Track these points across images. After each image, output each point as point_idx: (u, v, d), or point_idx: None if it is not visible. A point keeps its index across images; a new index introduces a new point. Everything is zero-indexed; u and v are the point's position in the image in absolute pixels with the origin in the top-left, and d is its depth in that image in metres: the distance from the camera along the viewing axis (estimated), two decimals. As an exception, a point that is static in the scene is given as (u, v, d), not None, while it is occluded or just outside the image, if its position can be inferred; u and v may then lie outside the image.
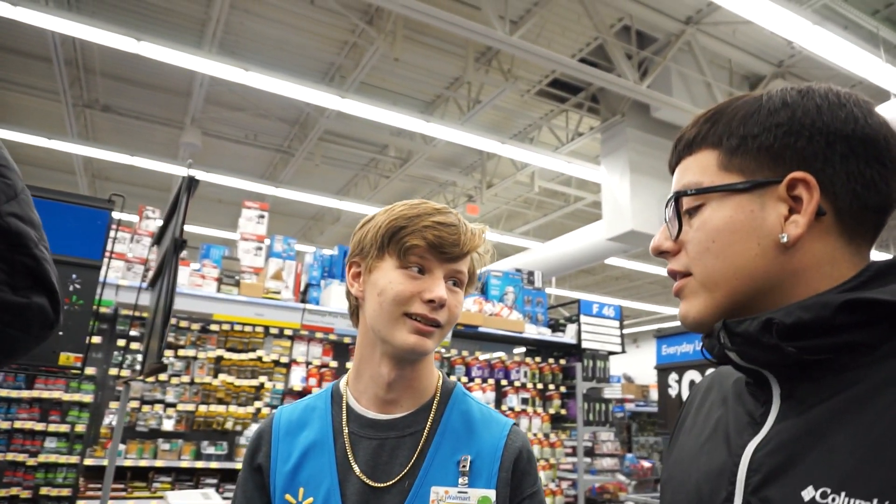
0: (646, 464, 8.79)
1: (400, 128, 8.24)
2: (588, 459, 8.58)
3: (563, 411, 5.77)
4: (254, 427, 4.60)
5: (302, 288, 5.22)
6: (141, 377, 2.03)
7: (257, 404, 4.68)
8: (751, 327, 0.65)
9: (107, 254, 1.97)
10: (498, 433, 0.99)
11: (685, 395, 3.11)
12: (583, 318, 6.02)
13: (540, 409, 5.54)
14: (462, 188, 11.40)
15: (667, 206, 0.77)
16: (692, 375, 3.10)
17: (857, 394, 0.61)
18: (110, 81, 8.25)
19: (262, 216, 5.40)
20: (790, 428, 0.65)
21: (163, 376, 4.39)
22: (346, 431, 0.99)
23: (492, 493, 0.92)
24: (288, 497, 0.96)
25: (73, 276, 1.93)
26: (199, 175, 7.64)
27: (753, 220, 0.68)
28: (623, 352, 6.18)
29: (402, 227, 0.96)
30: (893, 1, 6.23)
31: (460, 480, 0.93)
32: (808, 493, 0.58)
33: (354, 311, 1.06)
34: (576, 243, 9.88)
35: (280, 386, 4.80)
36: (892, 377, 0.59)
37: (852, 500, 0.55)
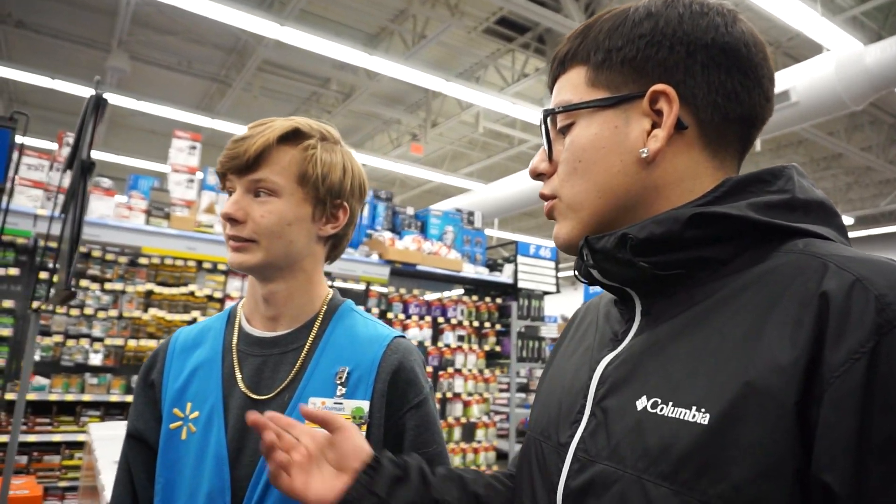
0: (576, 398, 9.22)
1: (343, 61, 7.95)
2: (522, 395, 8.92)
3: (497, 348, 5.93)
4: (186, 362, 4.55)
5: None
6: (50, 305, 1.96)
7: (190, 339, 4.62)
8: (608, 243, 0.65)
9: (11, 177, 1.85)
10: (377, 345, 1.00)
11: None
12: (520, 259, 6.13)
13: (475, 346, 5.67)
14: (406, 126, 11.22)
15: (540, 126, 0.74)
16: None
17: (702, 309, 0.61)
18: (25, -5, 7.59)
19: (193, 147, 5.18)
20: (640, 343, 0.65)
21: (89, 310, 4.25)
22: (235, 349, 1.01)
23: (365, 404, 0.94)
24: (176, 411, 0.98)
25: (-25, 199, 1.81)
26: (128, 103, 7.22)
27: (617, 135, 0.67)
28: (558, 292, 6.36)
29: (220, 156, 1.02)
30: (833, -47, 6.33)
31: (338, 391, 0.95)
32: (641, 402, 0.60)
33: None
34: (518, 185, 9.96)
35: (214, 321, 4.73)
36: (732, 293, 0.60)
37: (676, 409, 0.56)
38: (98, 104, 1.66)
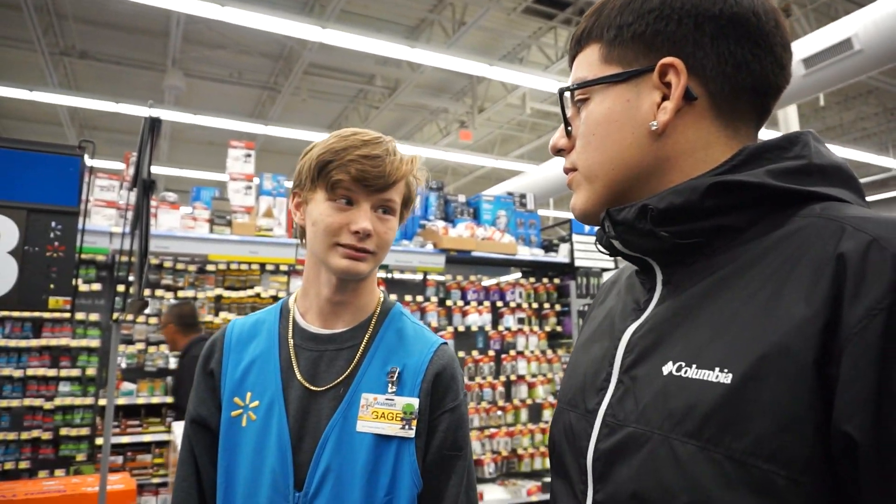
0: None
1: (385, 56, 8.05)
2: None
3: (559, 328, 5.92)
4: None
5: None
6: (127, 315, 2.12)
7: (260, 339, 4.84)
8: (629, 214, 0.67)
9: (83, 199, 2.02)
10: (426, 349, 1.07)
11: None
12: (575, 237, 6.09)
13: (536, 328, 5.69)
14: (454, 114, 11.24)
15: (560, 104, 0.77)
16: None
17: (722, 276, 0.63)
18: (84, 26, 8.04)
19: (248, 155, 5.39)
20: (663, 311, 0.68)
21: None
22: (291, 343, 1.08)
23: (415, 401, 1.01)
24: (236, 399, 1.05)
25: (53, 223, 1.98)
26: (186, 118, 7.57)
27: (629, 109, 0.69)
28: (616, 267, 6.27)
29: (328, 161, 1.01)
30: None
31: (389, 389, 1.02)
32: (667, 367, 0.62)
33: (302, 234, 1.13)
34: (570, 164, 9.82)
35: (281, 320, 4.94)
36: (752, 259, 0.61)
37: (700, 371, 0.59)
38: (153, 125, 1.79)
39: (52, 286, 1.96)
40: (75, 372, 4.32)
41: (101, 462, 2.18)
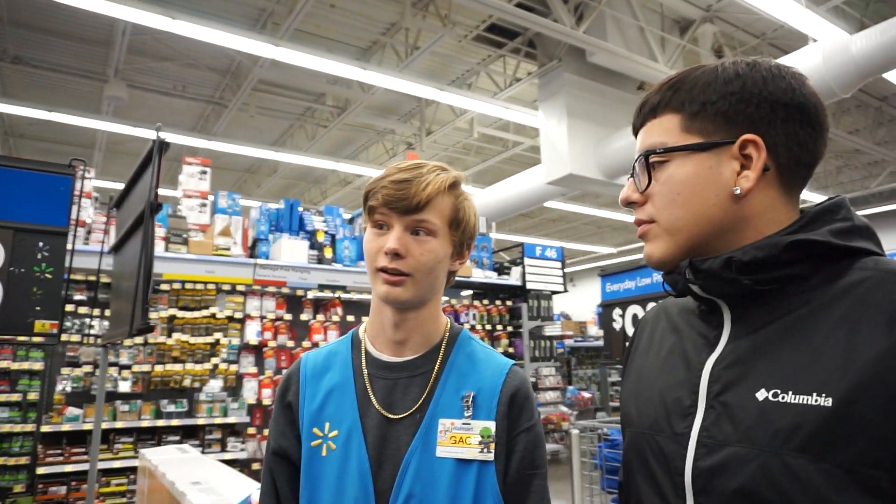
0: (585, 394, 9.35)
1: (337, 75, 8.07)
2: (524, 371, 9.03)
3: (511, 350, 6.05)
4: (212, 383, 4.65)
5: (250, 243, 5.20)
6: (129, 337, 2.06)
7: (214, 360, 4.72)
8: (714, 264, 0.79)
9: (72, 220, 1.96)
10: (498, 372, 1.10)
11: (629, 327, 3.38)
12: (527, 261, 6.26)
13: (490, 349, 5.79)
14: (401, 136, 11.34)
15: (636, 162, 0.88)
16: (634, 310, 3.35)
17: (799, 316, 0.75)
18: (21, 31, 7.67)
19: (204, 172, 5.30)
20: (743, 345, 0.79)
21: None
22: (366, 372, 1.10)
23: (492, 425, 1.03)
24: (315, 430, 1.07)
25: (40, 243, 1.91)
26: (127, 130, 7.29)
27: (711, 174, 0.80)
28: (565, 291, 6.49)
29: (369, 190, 1.07)
30: (812, -54, 6.50)
31: (465, 413, 1.04)
32: (761, 394, 0.74)
33: None
34: (516, 188, 10.09)
35: (236, 341, 4.83)
36: (824, 303, 0.74)
37: (798, 396, 0.70)
38: (161, 148, 1.78)
39: (38, 309, 1.89)
40: (15, 396, 4.08)
41: (86, 491, 2.09)
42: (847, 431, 0.66)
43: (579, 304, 17.87)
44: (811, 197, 11.97)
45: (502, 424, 1.04)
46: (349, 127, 10.76)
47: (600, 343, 10.72)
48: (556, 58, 7.79)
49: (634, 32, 7.30)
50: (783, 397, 0.71)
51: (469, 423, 1.03)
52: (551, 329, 10.18)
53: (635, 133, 0.92)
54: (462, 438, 1.02)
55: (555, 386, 9.35)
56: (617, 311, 3.37)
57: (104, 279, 3.87)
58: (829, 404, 0.68)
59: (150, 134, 7.96)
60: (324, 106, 10.09)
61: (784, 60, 6.59)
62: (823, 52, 6.06)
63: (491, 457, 1.01)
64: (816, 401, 0.68)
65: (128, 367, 4.46)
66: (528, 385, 1.12)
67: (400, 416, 1.05)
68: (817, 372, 0.70)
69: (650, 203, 0.86)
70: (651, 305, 1.06)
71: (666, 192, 0.83)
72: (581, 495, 3.14)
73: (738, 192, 0.79)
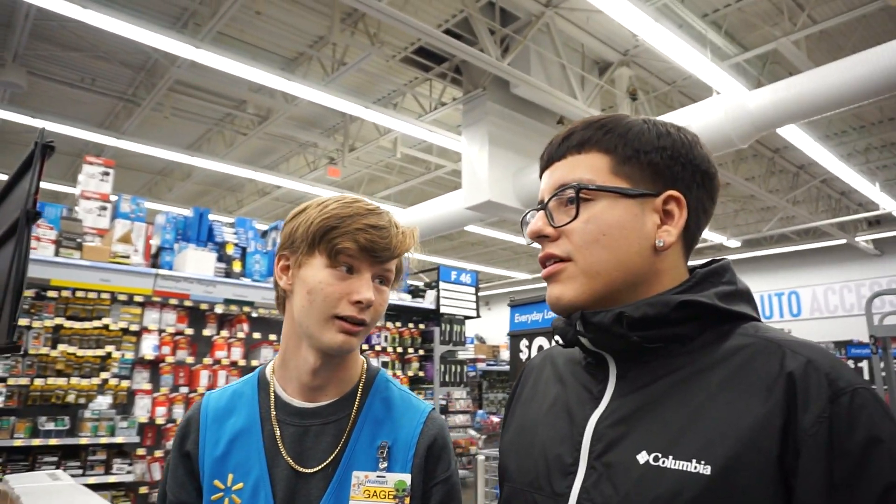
0: (495, 419, 9.43)
1: (259, 84, 7.87)
2: (442, 417, 9.02)
3: (421, 373, 6.03)
4: (100, 399, 4.33)
5: (153, 251, 4.93)
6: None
7: (103, 375, 4.40)
8: (605, 318, 0.78)
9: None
10: (416, 420, 1.05)
11: (534, 358, 3.46)
12: (441, 285, 6.28)
13: (399, 372, 5.74)
14: (323, 150, 11.18)
15: (553, 195, 0.84)
16: (541, 341, 3.41)
17: (680, 378, 0.76)
18: None
19: (106, 173, 4.99)
20: (627, 403, 0.78)
21: (-11, 348, 3.97)
22: (274, 418, 1.02)
23: (407, 478, 0.98)
24: (216, 482, 0.98)
25: None
26: (24, 119, 6.79)
27: (636, 222, 0.81)
28: (478, 316, 6.55)
29: (333, 227, 0.97)
30: (720, 7, 7.01)
31: (380, 465, 0.99)
32: (642, 456, 0.73)
33: (282, 302, 1.07)
34: (436, 210, 10.15)
35: (130, 355, 4.54)
36: (708, 365, 0.76)
37: (678, 462, 0.70)
38: (44, 152, 1.64)
39: None
40: None
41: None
42: (725, 499, 0.67)
43: (494, 327, 18.14)
44: (711, 236, 12.79)
45: (418, 478, 1.00)
46: (270, 136, 10.50)
47: (510, 367, 10.87)
48: (482, 86, 7.94)
49: (556, 69, 7.56)
50: (663, 462, 0.71)
51: (384, 476, 0.98)
52: (464, 353, 10.25)
53: (548, 164, 0.88)
54: (376, 492, 0.97)
55: (465, 409, 9.39)
56: (524, 342, 3.42)
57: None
58: (708, 472, 0.68)
59: (52, 126, 7.40)
60: (244, 113, 9.80)
61: (690, 110, 7.05)
62: (725, 106, 6.51)
63: None
64: (696, 468, 0.69)
65: (2, 379, 4.07)
66: (445, 433, 1.08)
67: (312, 470, 0.98)
68: (697, 436, 0.71)
69: (565, 239, 0.82)
70: (540, 352, 1.06)
71: (591, 230, 0.81)
72: (481, 525, 3.13)
73: (661, 244, 0.81)
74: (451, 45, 6.49)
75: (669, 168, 0.82)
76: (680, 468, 0.70)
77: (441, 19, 7.37)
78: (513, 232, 14.42)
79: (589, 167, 0.83)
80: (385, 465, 0.99)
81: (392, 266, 1.02)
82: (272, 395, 1.05)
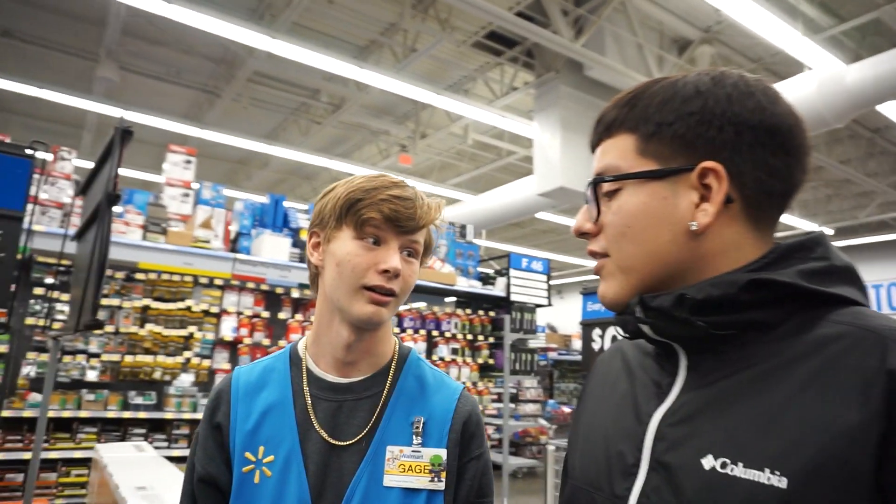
0: (566, 409, 9.29)
1: (333, 73, 8.00)
2: (512, 405, 8.98)
3: (490, 361, 5.99)
4: (183, 377, 4.55)
5: (232, 237, 5.10)
6: (73, 333, 1.97)
7: (186, 354, 4.62)
8: (665, 302, 0.68)
9: (30, 203, 1.88)
10: (449, 397, 1.04)
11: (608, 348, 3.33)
12: (512, 272, 6.20)
13: (469, 359, 5.73)
14: (395, 137, 11.27)
15: (587, 188, 0.77)
16: (613, 331, 3.29)
17: (757, 372, 0.65)
18: (12, 3, 7.53)
19: (189, 161, 5.20)
20: (695, 399, 0.68)
21: (85, 326, 4.24)
22: (307, 393, 1.02)
23: (443, 452, 0.97)
24: (247, 454, 0.98)
25: (-5, 227, 1.83)
26: (118, 112, 7.19)
27: (666, 206, 0.70)
28: (549, 305, 6.44)
29: (359, 199, 0.98)
30: (814, -25, 6.52)
31: (414, 440, 0.98)
32: (707, 461, 0.63)
33: (314, 279, 1.07)
34: (507, 197, 10.05)
35: (210, 336, 4.74)
36: (791, 359, 0.63)
37: (748, 471, 0.60)
38: (123, 137, 1.69)
39: (-12, 295, 1.80)
40: (-24, 379, 3.95)
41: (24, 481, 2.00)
42: None
43: (566, 316, 17.86)
44: (801, 224, 12.03)
45: (454, 453, 0.99)
46: (343, 125, 10.68)
47: (582, 357, 10.69)
48: (554, 69, 7.75)
49: (633, 49, 7.28)
50: (731, 469, 0.61)
51: (419, 451, 0.97)
52: (535, 342, 10.14)
53: (593, 152, 0.80)
54: (412, 467, 0.96)
55: (535, 399, 9.30)
56: (597, 332, 3.31)
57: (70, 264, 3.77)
58: (784, 486, 0.57)
59: (140, 118, 7.80)
60: (319, 102, 10.01)
61: (779, 87, 6.60)
62: (818, 81, 6.07)
63: (442, 486, 0.96)
64: (769, 479, 0.58)
65: (97, 355, 4.35)
66: (478, 411, 1.07)
67: (345, 443, 0.98)
68: (773, 442, 0.60)
69: (603, 234, 0.75)
70: (613, 345, 0.99)
71: (617, 223, 0.73)
72: (549, 515, 3.07)
73: (695, 227, 0.68)
74: (523, 27, 6.36)
75: (702, 135, 0.69)
76: (751, 478, 0.60)
77: (513, 1, 7.23)
78: (586, 219, 14.08)
79: (617, 152, 0.75)
80: (420, 440, 0.99)
81: (419, 238, 1.02)
82: (305, 370, 1.05)
